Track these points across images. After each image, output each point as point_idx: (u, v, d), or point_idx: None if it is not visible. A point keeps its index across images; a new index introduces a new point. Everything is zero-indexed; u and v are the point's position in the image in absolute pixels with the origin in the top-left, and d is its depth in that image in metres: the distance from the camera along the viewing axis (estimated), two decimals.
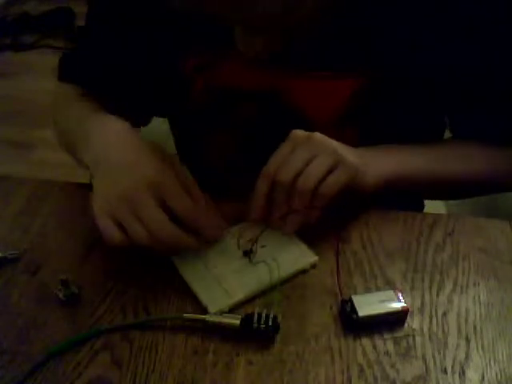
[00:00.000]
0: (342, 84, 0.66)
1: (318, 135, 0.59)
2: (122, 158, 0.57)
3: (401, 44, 0.62)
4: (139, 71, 0.73)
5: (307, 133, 0.59)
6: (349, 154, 0.58)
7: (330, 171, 0.57)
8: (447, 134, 0.77)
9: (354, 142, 0.62)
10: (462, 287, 0.57)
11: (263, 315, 0.50)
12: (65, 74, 0.78)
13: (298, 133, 0.59)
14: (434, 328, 0.53)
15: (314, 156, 0.57)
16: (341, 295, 0.54)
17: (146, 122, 0.83)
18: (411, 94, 0.66)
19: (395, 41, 0.62)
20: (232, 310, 0.53)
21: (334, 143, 0.58)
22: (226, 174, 0.79)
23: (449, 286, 0.57)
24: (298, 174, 0.56)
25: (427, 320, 0.54)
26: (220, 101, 0.71)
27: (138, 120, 0.78)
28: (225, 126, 0.74)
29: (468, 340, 0.52)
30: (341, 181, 0.57)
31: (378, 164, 0.62)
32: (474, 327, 0.53)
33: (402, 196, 0.67)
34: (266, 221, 0.59)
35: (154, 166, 0.55)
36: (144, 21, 0.68)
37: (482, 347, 0.51)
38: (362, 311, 0.52)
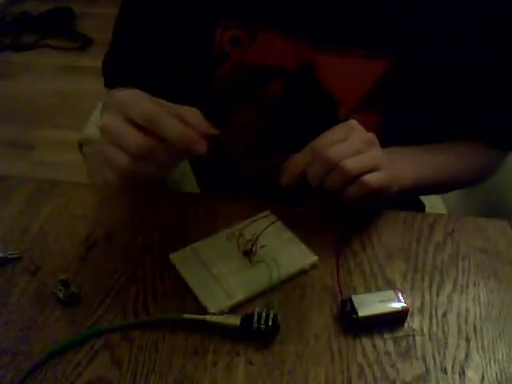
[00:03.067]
0: (372, 64, 0.66)
1: (372, 135, 0.60)
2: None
3: (427, 29, 0.64)
4: (170, 52, 0.72)
5: (363, 128, 0.60)
6: (387, 162, 0.59)
7: (370, 171, 0.57)
8: None
9: (377, 128, 0.62)
10: (462, 287, 0.57)
11: (263, 315, 0.51)
12: (109, 80, 0.80)
13: (355, 123, 0.60)
14: (434, 328, 0.53)
15: (363, 151, 0.57)
16: (341, 295, 0.54)
17: None
18: (433, 84, 0.67)
19: (422, 26, 0.64)
20: (232, 310, 0.53)
21: (381, 150, 0.60)
22: (247, 159, 0.78)
23: (449, 286, 0.57)
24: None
25: (427, 320, 0.54)
26: (248, 78, 0.70)
27: None
28: (250, 106, 0.73)
29: (468, 340, 0.52)
30: (382, 182, 0.58)
31: (401, 175, 0.64)
32: (474, 327, 0.53)
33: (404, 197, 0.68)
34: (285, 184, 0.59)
35: (128, 92, 0.53)
36: None
37: (482, 347, 0.51)
38: (362, 311, 0.51)
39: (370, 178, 0.57)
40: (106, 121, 0.52)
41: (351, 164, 0.56)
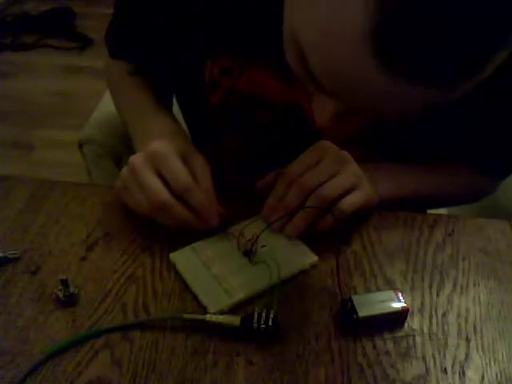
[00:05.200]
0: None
1: (345, 153, 0.60)
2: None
3: None
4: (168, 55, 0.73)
5: (335, 147, 0.60)
6: (366, 178, 0.60)
7: (348, 191, 0.58)
8: None
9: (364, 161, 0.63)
10: (462, 287, 0.57)
11: (263, 315, 0.50)
12: (113, 51, 0.81)
13: (327, 144, 0.60)
14: (434, 328, 0.53)
15: (337, 172, 0.58)
16: (341, 295, 0.54)
17: None
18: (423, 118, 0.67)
19: None
20: (232, 310, 0.53)
21: (357, 165, 0.60)
22: (235, 178, 0.79)
23: (449, 286, 0.57)
24: (321, 184, 0.57)
25: (427, 320, 0.54)
26: (240, 107, 0.71)
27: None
28: (240, 130, 0.74)
29: (468, 340, 0.52)
30: (359, 202, 0.58)
31: (382, 186, 0.64)
32: (474, 327, 0.53)
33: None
34: (269, 220, 0.59)
35: (161, 143, 0.58)
36: (178, 15, 0.68)
37: (482, 347, 0.51)
38: (362, 311, 0.51)
39: (345, 204, 0.57)
40: (136, 161, 0.57)
41: (327, 189, 0.57)
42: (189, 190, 0.56)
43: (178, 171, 0.57)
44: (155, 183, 0.56)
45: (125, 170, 0.59)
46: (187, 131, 0.87)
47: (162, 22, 0.69)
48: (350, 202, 0.58)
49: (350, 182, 0.58)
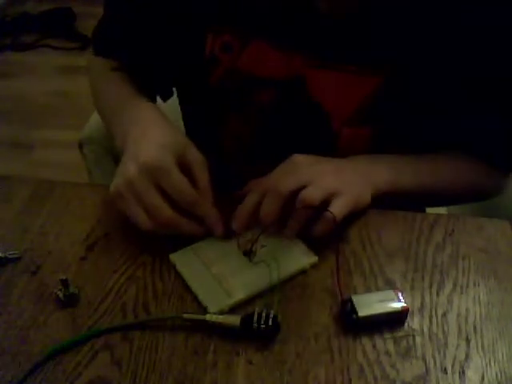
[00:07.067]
0: (363, 80, 0.65)
1: (321, 167, 0.60)
2: (139, 135, 0.59)
3: (417, 43, 0.63)
4: (164, 44, 0.73)
5: (309, 160, 0.60)
6: (346, 184, 0.59)
7: (332, 195, 0.57)
8: None
9: (367, 141, 0.62)
10: (462, 287, 0.57)
11: (263, 315, 0.50)
12: (98, 48, 0.80)
13: (300, 157, 0.60)
14: (434, 328, 0.53)
15: (313, 181, 0.57)
16: (341, 295, 0.54)
17: (171, 94, 0.83)
18: (426, 100, 0.66)
19: (412, 40, 0.62)
20: (232, 310, 0.53)
21: (333, 178, 0.59)
22: (239, 160, 0.78)
23: (449, 286, 0.57)
24: (297, 191, 0.56)
25: (427, 320, 0.54)
26: (240, 84, 0.70)
27: (164, 92, 0.81)
28: (242, 110, 0.73)
29: (468, 340, 0.52)
30: (347, 206, 0.58)
31: (375, 179, 0.63)
32: (474, 327, 0.53)
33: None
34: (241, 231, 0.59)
35: (156, 152, 0.56)
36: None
37: (482, 347, 0.51)
38: (362, 311, 0.51)
39: (333, 209, 0.56)
40: (131, 173, 0.55)
41: (309, 192, 0.56)
42: (195, 205, 0.56)
43: (181, 186, 0.55)
44: (157, 201, 0.55)
45: (119, 180, 0.56)
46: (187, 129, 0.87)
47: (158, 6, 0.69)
48: (338, 207, 0.57)
49: (330, 186, 0.58)
